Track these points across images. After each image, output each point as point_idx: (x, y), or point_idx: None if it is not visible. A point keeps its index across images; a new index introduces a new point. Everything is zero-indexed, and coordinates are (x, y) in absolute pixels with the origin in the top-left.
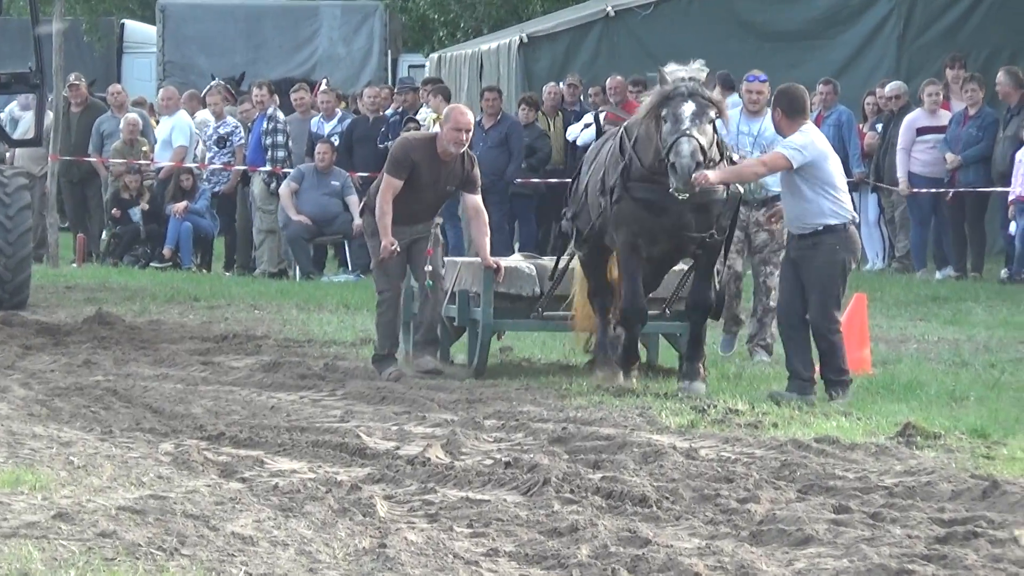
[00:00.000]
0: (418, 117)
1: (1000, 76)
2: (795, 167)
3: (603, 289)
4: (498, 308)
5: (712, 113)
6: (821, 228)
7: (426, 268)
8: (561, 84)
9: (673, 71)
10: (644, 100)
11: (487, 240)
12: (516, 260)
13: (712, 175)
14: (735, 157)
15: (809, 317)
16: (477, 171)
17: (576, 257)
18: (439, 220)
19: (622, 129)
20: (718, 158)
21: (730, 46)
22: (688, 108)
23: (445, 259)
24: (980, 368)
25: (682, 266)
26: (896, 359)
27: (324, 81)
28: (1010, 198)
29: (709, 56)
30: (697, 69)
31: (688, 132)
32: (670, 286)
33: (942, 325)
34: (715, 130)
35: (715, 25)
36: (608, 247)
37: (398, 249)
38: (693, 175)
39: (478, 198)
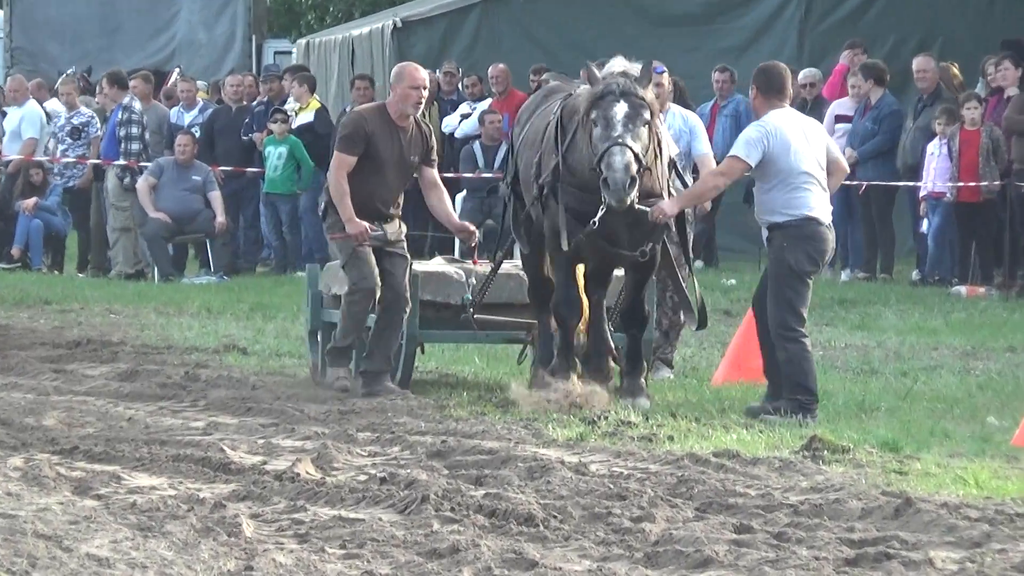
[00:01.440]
0: (285, 107)
1: (923, 62)
2: (754, 165)
3: (542, 283)
4: (423, 317)
5: (646, 114)
6: (770, 225)
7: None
8: (437, 72)
9: (608, 67)
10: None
11: (451, 207)
12: (439, 264)
13: (669, 206)
14: (674, 152)
15: None
16: (434, 140)
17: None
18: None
19: (560, 108)
20: (655, 159)
21: (620, 31)
22: (620, 110)
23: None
24: (891, 376)
25: (621, 272)
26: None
27: (177, 70)
28: (921, 194)
29: (597, 42)
30: (628, 64)
31: (620, 140)
32: (611, 293)
33: (849, 330)
34: (651, 130)
35: (604, 8)
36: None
37: (370, 230)
38: (650, 211)
39: (435, 171)
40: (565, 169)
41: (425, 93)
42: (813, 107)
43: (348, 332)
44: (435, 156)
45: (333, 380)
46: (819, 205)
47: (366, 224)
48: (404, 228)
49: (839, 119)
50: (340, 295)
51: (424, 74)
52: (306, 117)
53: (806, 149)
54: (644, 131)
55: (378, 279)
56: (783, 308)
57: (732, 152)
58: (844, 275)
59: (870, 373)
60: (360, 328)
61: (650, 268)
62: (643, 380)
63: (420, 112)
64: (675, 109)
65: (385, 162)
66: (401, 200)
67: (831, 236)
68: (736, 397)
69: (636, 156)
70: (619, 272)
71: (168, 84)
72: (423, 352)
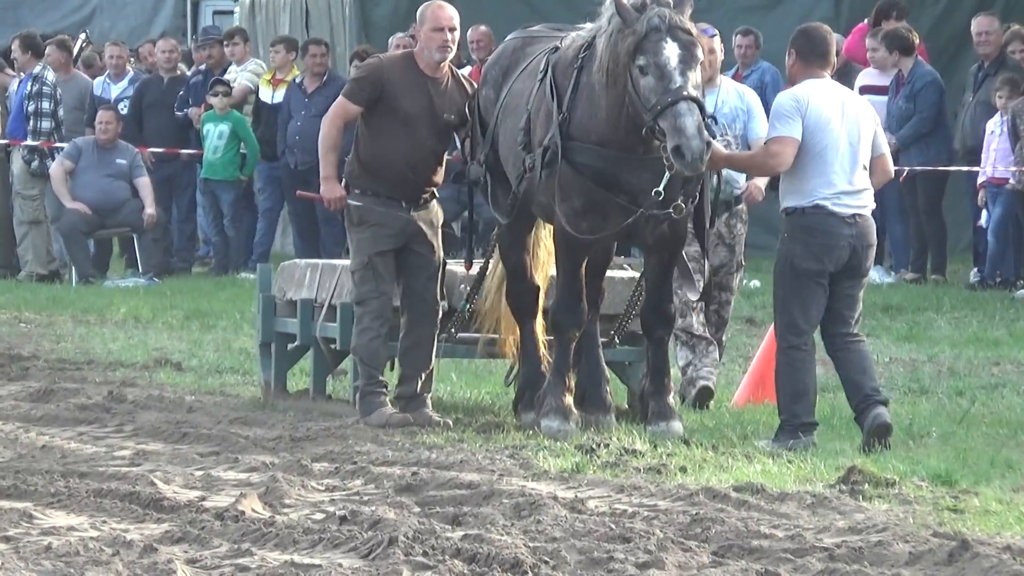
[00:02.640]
0: (227, 77)
1: (985, 23)
2: (799, 138)
3: (525, 281)
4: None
5: (699, 52)
6: (783, 210)
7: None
8: (407, 35)
9: None
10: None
11: None
12: None
13: (757, 190)
14: (729, 136)
15: None
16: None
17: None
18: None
19: (549, 64)
20: None
21: None
22: (673, 53)
23: (322, 261)
24: (944, 397)
25: (632, 274)
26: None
27: (83, 35)
28: (979, 180)
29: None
30: None
31: (685, 93)
32: (619, 300)
33: (896, 342)
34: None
35: None
36: (534, 216)
37: (343, 199)
38: (743, 193)
39: None
40: (576, 127)
41: (454, 35)
42: (841, 76)
43: (369, 368)
44: None
45: (385, 420)
46: (839, 192)
47: (342, 194)
48: (440, 215)
49: (865, 90)
50: (297, 300)
51: (451, 12)
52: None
53: (842, 128)
54: (699, 75)
55: (394, 294)
56: (779, 310)
57: (770, 134)
58: (878, 275)
59: (920, 393)
60: (381, 359)
61: (678, 244)
62: (672, 398)
63: (451, 59)
64: (728, 84)
65: (413, 118)
66: (441, 173)
67: (850, 231)
68: (760, 421)
69: (702, 110)
70: (617, 273)
71: (73, 52)
72: (392, 368)
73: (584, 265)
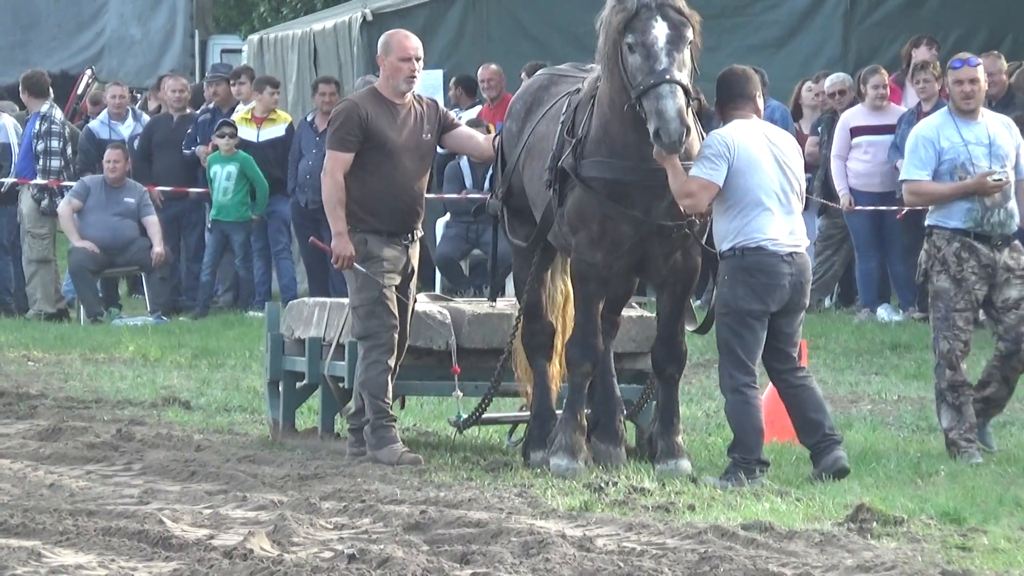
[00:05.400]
0: (235, 117)
1: (990, 64)
2: (720, 184)
3: (540, 320)
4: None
5: (689, 33)
6: (719, 254)
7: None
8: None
9: None
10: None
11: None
12: (422, 302)
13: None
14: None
15: None
16: (443, 108)
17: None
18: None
19: (569, 106)
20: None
21: None
22: (661, 31)
23: (330, 300)
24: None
25: (642, 312)
26: (845, 423)
27: (89, 72)
28: None
29: None
30: None
31: (668, 75)
32: (627, 338)
33: (903, 380)
34: (693, 52)
35: None
36: (551, 254)
37: (352, 259)
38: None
39: (464, 125)
40: (589, 145)
41: (419, 65)
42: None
43: (376, 402)
44: (453, 117)
45: (396, 458)
46: (776, 231)
47: (352, 253)
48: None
49: (857, 131)
50: (306, 339)
51: (416, 42)
52: (276, 131)
53: (772, 167)
54: (688, 55)
55: (397, 326)
56: (723, 353)
57: (692, 173)
58: (886, 313)
59: (928, 431)
60: (389, 395)
61: (690, 277)
62: (681, 438)
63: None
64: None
65: (399, 148)
66: (423, 193)
67: (789, 269)
68: (769, 459)
69: (687, 92)
70: (630, 312)
71: (79, 89)
72: (403, 407)
73: (602, 302)
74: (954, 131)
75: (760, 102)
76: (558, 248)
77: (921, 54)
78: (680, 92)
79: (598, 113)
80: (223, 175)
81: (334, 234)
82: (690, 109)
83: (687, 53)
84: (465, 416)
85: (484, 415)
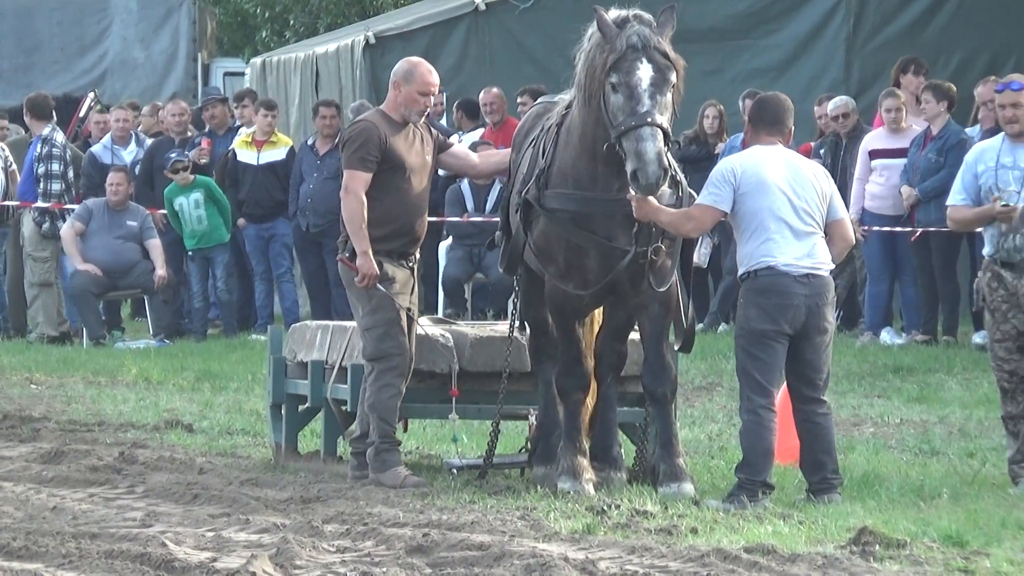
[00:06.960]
0: (236, 141)
1: (986, 92)
2: (728, 211)
3: (547, 335)
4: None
5: (672, 76)
6: (739, 279)
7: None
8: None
9: (617, 12)
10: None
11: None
12: (425, 325)
13: (652, 210)
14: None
15: None
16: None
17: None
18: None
19: (556, 127)
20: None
21: None
22: (646, 74)
23: (332, 323)
24: (955, 458)
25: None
26: (848, 447)
27: (91, 95)
28: None
29: None
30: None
31: (650, 119)
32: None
33: (906, 403)
34: (675, 96)
35: None
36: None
37: (376, 279)
38: (635, 204)
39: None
40: (554, 175)
41: (432, 102)
42: (850, 142)
43: (384, 424)
44: (444, 137)
45: (400, 482)
46: (788, 253)
47: (377, 273)
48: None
49: (875, 154)
50: (308, 362)
51: (437, 78)
52: (277, 154)
53: (786, 194)
54: (670, 99)
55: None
56: (739, 374)
57: (699, 199)
58: (900, 338)
59: (930, 454)
60: (395, 415)
61: (667, 297)
62: (682, 460)
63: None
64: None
65: (413, 168)
66: (426, 210)
67: (803, 290)
68: (775, 482)
69: (667, 136)
70: (632, 336)
71: (81, 112)
72: (405, 430)
73: (581, 327)
74: (994, 154)
75: (789, 131)
76: (537, 273)
77: (908, 80)
78: (660, 135)
79: (565, 143)
80: (190, 204)
81: (359, 253)
82: (668, 152)
83: (669, 97)
84: (463, 462)
85: (484, 457)
